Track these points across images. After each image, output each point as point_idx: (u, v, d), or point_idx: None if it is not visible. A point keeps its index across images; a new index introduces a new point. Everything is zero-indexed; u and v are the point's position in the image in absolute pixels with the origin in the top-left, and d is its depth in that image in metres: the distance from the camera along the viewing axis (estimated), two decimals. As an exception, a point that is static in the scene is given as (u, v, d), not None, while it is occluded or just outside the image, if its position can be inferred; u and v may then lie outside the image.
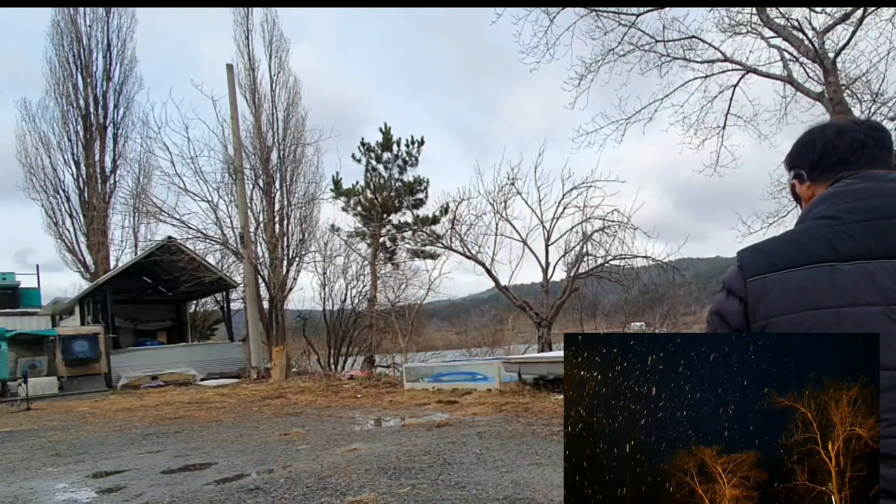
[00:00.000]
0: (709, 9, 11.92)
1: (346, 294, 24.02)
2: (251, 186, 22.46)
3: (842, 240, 1.13)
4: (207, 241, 21.67)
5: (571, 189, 16.67)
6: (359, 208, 28.47)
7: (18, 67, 49.84)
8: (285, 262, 23.45)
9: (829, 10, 10.71)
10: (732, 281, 1.25)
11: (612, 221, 16.08)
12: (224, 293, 24.43)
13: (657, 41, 12.08)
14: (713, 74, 12.36)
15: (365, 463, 6.12)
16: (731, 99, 12.36)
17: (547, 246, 17.11)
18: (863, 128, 1.28)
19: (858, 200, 1.16)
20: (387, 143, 28.50)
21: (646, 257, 16.25)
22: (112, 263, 26.77)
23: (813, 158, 1.29)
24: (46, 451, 8.14)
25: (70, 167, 27.37)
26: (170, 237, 21.12)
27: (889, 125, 11.09)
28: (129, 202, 27.14)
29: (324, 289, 23.86)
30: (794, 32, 10.82)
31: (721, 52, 12.06)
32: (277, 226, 23.74)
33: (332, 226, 26.14)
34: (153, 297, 24.38)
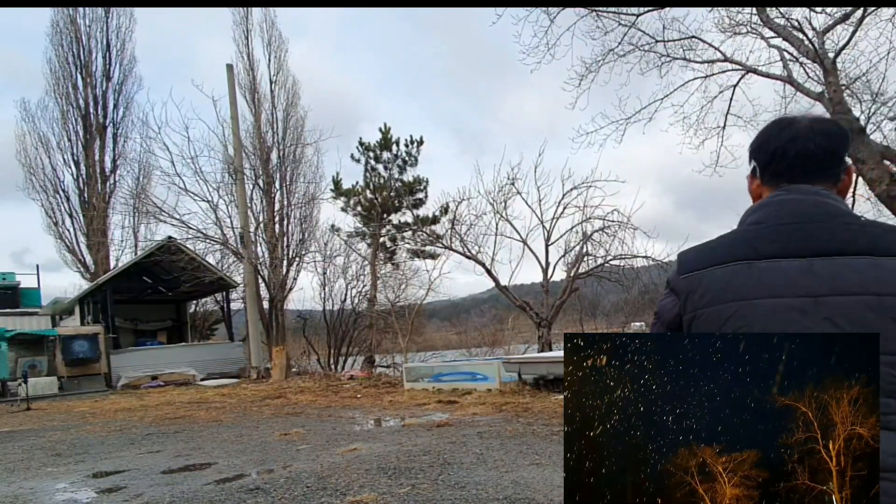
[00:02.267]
0: (709, 9, 11.92)
1: (346, 294, 24.04)
2: (251, 186, 22.47)
3: (762, 241, 1.26)
4: (207, 241, 21.69)
5: (571, 189, 16.69)
6: (359, 208, 28.49)
7: (18, 67, 49.86)
8: (285, 262, 23.45)
9: (829, 10, 10.71)
10: (671, 279, 1.38)
11: (612, 221, 16.10)
12: (224, 293, 24.44)
13: (657, 41, 12.08)
14: (713, 74, 12.36)
15: (365, 463, 6.12)
16: (731, 99, 12.36)
17: (547, 246, 17.13)
18: (816, 135, 1.33)
19: (782, 209, 1.29)
20: (386, 142, 28.51)
21: (646, 257, 16.26)
22: (112, 263, 26.79)
23: (765, 161, 1.38)
24: (46, 451, 8.15)
25: (70, 167, 27.41)
26: (170, 237, 21.12)
27: (889, 125, 11.11)
28: (129, 202, 27.17)
29: (324, 289, 23.88)
30: (794, 32, 10.82)
31: (721, 52, 12.07)
32: (277, 226, 23.75)
33: (332, 226, 26.18)
34: (153, 297, 24.38)
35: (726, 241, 1.31)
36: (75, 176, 27.44)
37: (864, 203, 10.76)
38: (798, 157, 1.32)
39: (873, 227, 1.24)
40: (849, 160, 1.37)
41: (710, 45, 12.10)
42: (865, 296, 1.16)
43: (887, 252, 1.19)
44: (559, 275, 17.43)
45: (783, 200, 1.30)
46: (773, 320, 1.19)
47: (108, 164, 28.03)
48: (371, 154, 28.62)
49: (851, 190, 1.40)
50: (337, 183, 28.08)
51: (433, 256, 22.15)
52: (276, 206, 23.86)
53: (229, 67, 21.34)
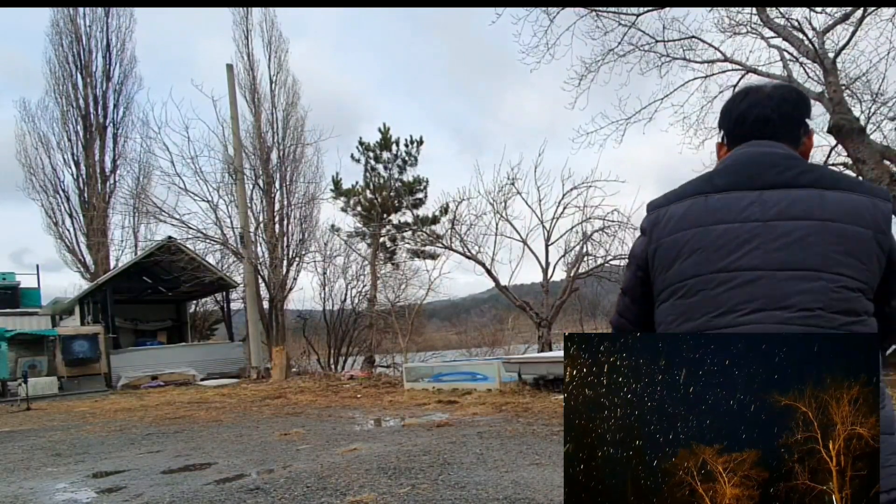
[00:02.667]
0: (709, 9, 11.93)
1: (346, 294, 24.04)
2: (251, 186, 22.47)
3: (718, 177, 1.39)
4: (207, 241, 21.69)
5: (571, 189, 16.69)
6: (359, 208, 28.50)
7: (18, 67, 49.84)
8: (285, 262, 23.45)
9: (829, 10, 10.71)
10: (642, 220, 1.50)
11: (612, 221, 16.10)
12: (224, 293, 24.44)
13: (657, 41, 12.08)
14: (713, 74, 12.37)
15: (365, 463, 6.12)
16: (731, 99, 12.34)
17: (547, 246, 17.13)
18: (774, 101, 1.43)
19: (739, 156, 1.41)
20: (386, 142, 28.52)
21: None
22: (112, 263, 26.79)
23: (728, 127, 1.49)
24: (46, 451, 8.14)
25: (70, 167, 27.40)
26: (170, 237, 21.12)
27: (889, 125, 11.11)
28: (129, 202, 27.16)
29: (324, 289, 23.88)
30: (794, 32, 10.82)
31: (721, 52, 12.07)
32: (277, 226, 23.75)
33: (332, 226, 26.18)
34: (153, 297, 24.38)
35: (688, 183, 1.44)
36: (75, 176, 27.46)
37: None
38: (757, 121, 1.43)
39: (820, 167, 1.38)
40: (810, 124, 1.48)
41: (710, 45, 12.12)
42: (811, 220, 1.26)
43: (831, 186, 1.30)
44: (559, 275, 17.44)
45: (741, 151, 1.42)
46: (726, 241, 1.30)
47: (108, 164, 28.05)
48: (371, 154, 28.63)
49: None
50: (337, 183, 28.09)
51: (433, 256, 22.17)
52: (276, 206, 23.87)
53: (229, 67, 21.35)
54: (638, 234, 1.53)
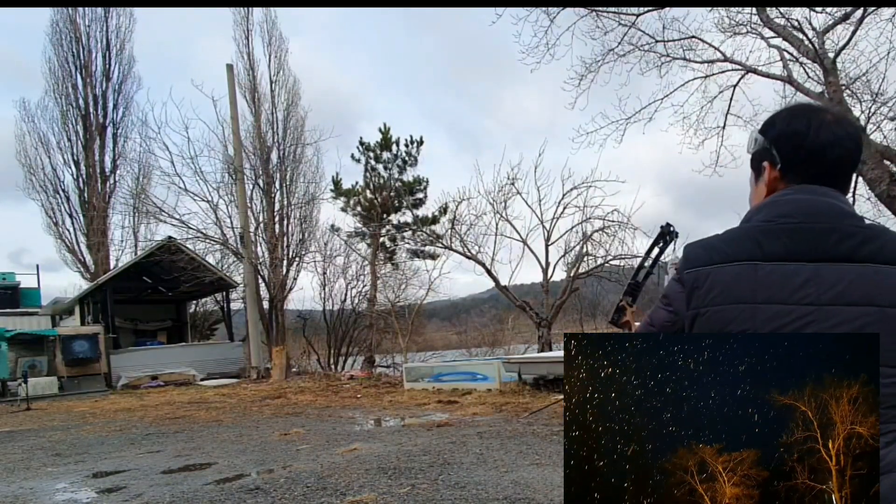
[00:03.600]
0: (709, 9, 11.91)
1: (346, 294, 24.05)
2: (251, 186, 22.46)
3: (769, 240, 1.23)
4: (207, 241, 21.68)
5: (571, 189, 16.68)
6: (358, 208, 28.50)
7: (18, 67, 49.83)
8: (285, 262, 23.44)
9: (829, 10, 10.70)
10: (679, 268, 1.37)
11: (612, 221, 16.09)
12: (224, 293, 24.43)
13: (657, 41, 12.08)
14: (713, 74, 12.36)
15: (365, 463, 6.12)
16: (731, 99, 12.36)
17: (547, 246, 17.14)
18: (853, 142, 1.29)
19: (794, 208, 1.26)
20: (386, 143, 28.53)
21: (645, 257, 16.23)
22: (112, 263, 26.76)
23: (796, 158, 1.30)
24: (46, 451, 8.14)
25: (70, 167, 27.38)
26: (170, 237, 21.11)
27: (889, 125, 11.10)
28: (129, 202, 27.15)
29: (324, 289, 23.89)
30: (794, 32, 10.82)
31: (721, 52, 12.06)
32: (277, 226, 23.74)
33: (332, 226, 26.18)
34: (153, 297, 24.38)
35: (733, 237, 1.28)
36: (75, 176, 27.44)
37: (864, 203, 10.76)
38: (836, 163, 1.28)
39: (882, 233, 1.22)
40: None
41: (710, 45, 12.12)
42: (868, 306, 1.15)
43: (889, 260, 1.17)
44: (559, 275, 17.44)
45: (797, 200, 1.26)
46: (777, 327, 1.18)
47: (108, 164, 28.03)
48: (371, 154, 28.64)
49: (851, 189, 1.45)
50: (337, 183, 28.10)
51: (433, 256, 22.17)
52: (276, 206, 23.85)
53: (229, 67, 21.35)
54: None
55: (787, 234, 1.22)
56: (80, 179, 27.48)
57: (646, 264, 2.55)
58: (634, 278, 2.51)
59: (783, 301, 1.18)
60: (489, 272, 17.03)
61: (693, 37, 12.05)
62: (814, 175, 1.28)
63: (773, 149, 1.33)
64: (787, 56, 11.35)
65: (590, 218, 16.38)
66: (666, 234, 2.53)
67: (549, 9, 11.73)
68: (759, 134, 1.37)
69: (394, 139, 28.55)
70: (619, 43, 12.02)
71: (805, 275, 1.19)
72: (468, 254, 17.19)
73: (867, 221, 1.26)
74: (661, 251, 2.54)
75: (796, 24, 10.80)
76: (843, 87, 10.78)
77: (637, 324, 2.30)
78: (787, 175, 1.31)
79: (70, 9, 26.94)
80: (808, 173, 1.29)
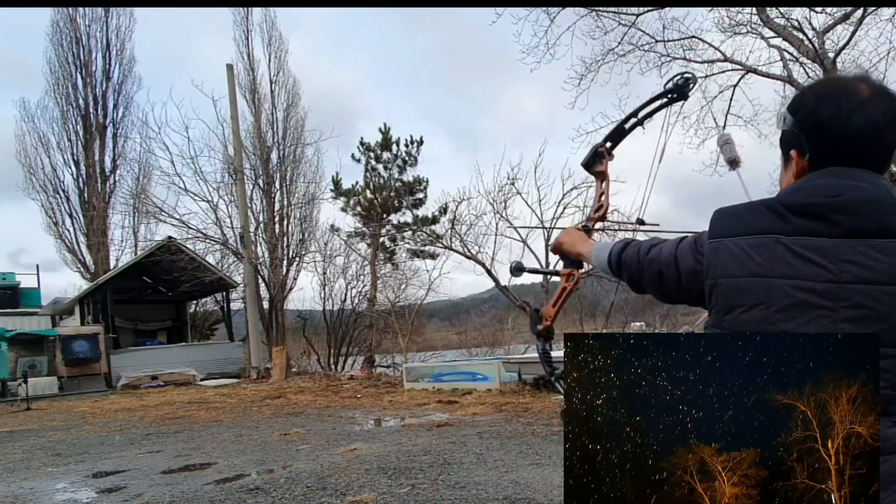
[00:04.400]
0: (709, 9, 11.93)
1: (346, 294, 24.04)
2: (251, 186, 22.47)
3: (795, 213, 1.17)
4: (207, 241, 21.69)
5: (571, 189, 16.67)
6: (358, 208, 28.51)
7: (18, 67, 49.82)
8: (285, 262, 23.46)
9: (829, 10, 10.71)
10: (701, 237, 1.31)
11: (612, 221, 16.07)
12: (224, 293, 24.43)
13: (657, 41, 12.09)
14: (713, 74, 12.37)
15: (365, 463, 6.13)
16: (731, 99, 12.37)
17: (547, 246, 17.13)
18: (889, 127, 1.18)
19: (825, 182, 1.19)
20: (386, 142, 28.54)
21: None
22: (112, 263, 26.77)
23: (825, 146, 1.20)
24: (46, 451, 8.14)
25: (70, 167, 27.40)
26: (170, 237, 21.11)
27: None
28: (129, 202, 27.16)
29: (324, 289, 23.88)
30: (794, 32, 10.83)
31: (721, 52, 12.08)
32: (277, 226, 23.75)
33: (332, 226, 26.17)
34: (153, 297, 24.37)
35: (758, 208, 1.22)
36: (75, 176, 27.46)
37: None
38: (869, 149, 1.18)
39: None
40: None
41: (710, 45, 12.13)
42: (892, 286, 1.08)
43: None
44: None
45: (829, 176, 1.19)
46: (792, 303, 1.13)
47: (108, 164, 28.04)
48: (371, 154, 28.66)
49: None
50: (337, 183, 28.10)
51: (433, 256, 22.16)
52: (276, 206, 23.87)
53: (229, 67, 21.34)
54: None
55: (815, 207, 1.15)
56: (80, 179, 27.51)
57: (640, 114, 2.10)
58: (622, 125, 2.12)
59: (802, 276, 1.13)
60: (489, 272, 17.03)
61: (693, 37, 12.07)
62: (842, 160, 1.19)
63: (801, 135, 1.23)
64: (787, 56, 11.36)
65: (590, 218, 16.35)
66: (679, 88, 2.02)
67: (550, 9, 11.74)
68: (787, 112, 1.28)
69: (394, 139, 28.58)
70: (619, 43, 12.04)
71: (826, 249, 1.12)
72: (468, 254, 17.19)
73: None
74: (663, 106, 2.09)
75: (796, 24, 10.81)
76: (844, 87, 10.76)
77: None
78: (815, 166, 1.23)
79: (70, 9, 26.96)
80: (837, 159, 1.20)
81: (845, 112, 1.17)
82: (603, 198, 2.10)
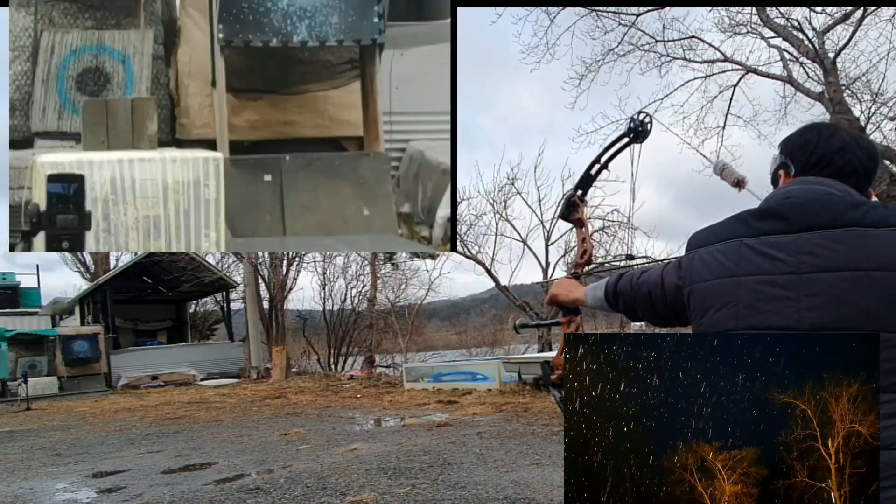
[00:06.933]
0: (709, 9, 11.93)
1: (346, 294, 24.03)
2: (251, 186, 22.42)
3: (757, 220, 1.27)
4: (207, 241, 21.64)
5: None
6: (359, 208, 28.48)
7: (18, 67, 49.70)
8: (285, 262, 23.46)
9: (829, 10, 10.70)
10: (683, 258, 1.43)
11: (612, 221, 16.10)
12: (224, 293, 24.43)
13: (657, 41, 12.08)
14: (713, 74, 12.36)
15: (365, 463, 6.13)
16: (731, 99, 12.36)
17: (547, 246, 17.15)
18: (864, 152, 1.33)
19: (790, 191, 1.31)
20: (387, 143, 28.50)
21: (645, 257, 16.24)
22: (112, 263, 26.77)
23: (808, 162, 1.34)
24: (46, 451, 8.14)
25: (70, 167, 27.37)
26: (170, 237, 21.08)
27: (889, 125, 11.10)
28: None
29: (324, 289, 23.88)
30: (794, 32, 10.82)
31: (721, 52, 12.07)
32: (277, 226, 23.72)
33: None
34: (153, 297, 24.36)
35: (728, 220, 1.34)
36: (75, 176, 27.44)
37: (863, 203, 10.75)
38: (844, 168, 1.31)
39: (870, 203, 1.21)
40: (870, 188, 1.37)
41: (710, 45, 12.12)
42: (852, 271, 1.12)
43: (875, 222, 1.14)
44: (559, 275, 17.44)
45: (794, 188, 1.31)
46: (757, 298, 1.20)
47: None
48: (371, 154, 28.63)
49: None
50: (337, 183, 28.08)
51: (433, 256, 22.15)
52: (276, 207, 23.83)
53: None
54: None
55: (775, 211, 1.26)
56: (80, 179, 27.48)
57: (603, 158, 2.17)
58: (588, 172, 2.20)
59: (764, 272, 1.20)
60: (489, 272, 17.04)
61: (693, 37, 12.06)
62: (823, 176, 1.31)
63: (789, 159, 1.38)
64: (787, 56, 11.36)
65: (590, 218, 16.36)
66: (636, 129, 2.08)
67: (549, 9, 11.74)
68: (777, 152, 1.43)
69: (394, 139, 28.55)
70: (619, 43, 12.02)
71: (785, 245, 1.20)
72: (468, 254, 17.20)
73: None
74: (624, 147, 2.15)
75: (796, 24, 10.81)
76: (843, 87, 10.78)
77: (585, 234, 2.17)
78: (796, 176, 1.36)
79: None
80: (818, 175, 1.32)
81: (825, 136, 1.35)
82: (584, 243, 2.18)
